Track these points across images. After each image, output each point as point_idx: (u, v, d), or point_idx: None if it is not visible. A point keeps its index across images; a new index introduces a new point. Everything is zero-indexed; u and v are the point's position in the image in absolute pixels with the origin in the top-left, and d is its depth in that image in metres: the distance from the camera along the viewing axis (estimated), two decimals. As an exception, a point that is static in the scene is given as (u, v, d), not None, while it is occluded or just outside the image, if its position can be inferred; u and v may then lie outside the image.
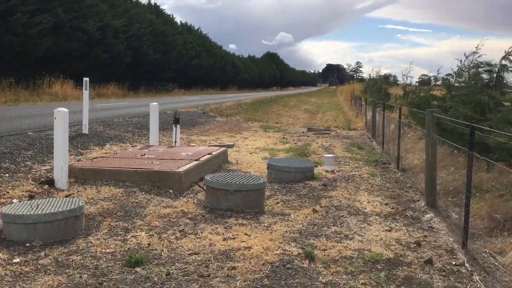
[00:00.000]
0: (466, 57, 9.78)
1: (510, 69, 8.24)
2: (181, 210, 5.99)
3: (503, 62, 8.38)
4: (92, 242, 4.72)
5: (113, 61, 34.84)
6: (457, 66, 10.18)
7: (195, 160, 8.07)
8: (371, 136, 15.28)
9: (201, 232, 5.14)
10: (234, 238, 4.97)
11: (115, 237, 4.89)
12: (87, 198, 6.23)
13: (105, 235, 4.95)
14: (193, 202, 6.41)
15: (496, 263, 4.35)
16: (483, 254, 4.61)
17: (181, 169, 7.20)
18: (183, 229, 5.25)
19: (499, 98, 7.79)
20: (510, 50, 8.16)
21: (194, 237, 4.99)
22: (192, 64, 51.94)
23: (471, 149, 4.74)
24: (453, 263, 4.46)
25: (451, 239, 5.17)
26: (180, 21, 59.51)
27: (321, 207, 6.39)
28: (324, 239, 5.05)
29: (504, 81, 8.37)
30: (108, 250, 4.52)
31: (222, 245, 4.77)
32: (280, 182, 7.80)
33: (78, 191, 6.59)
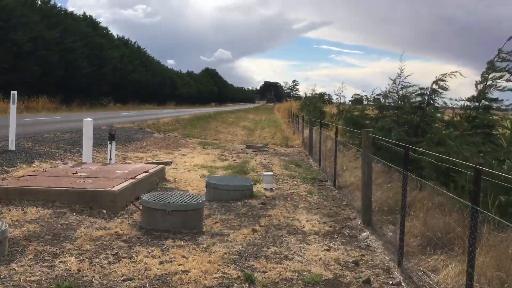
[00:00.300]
0: (393, 81, 10.18)
1: (439, 93, 8.66)
2: (115, 232, 5.71)
3: (434, 86, 8.81)
4: (15, 269, 4.36)
5: (44, 73, 33.38)
6: (385, 88, 10.59)
7: (131, 178, 7.78)
8: (308, 154, 15.52)
9: (136, 256, 4.91)
10: (171, 261, 4.79)
11: (41, 263, 4.55)
12: (12, 220, 5.80)
13: (30, 261, 4.60)
14: (128, 223, 6.13)
15: (431, 282, 4.46)
16: (418, 272, 4.72)
17: (115, 188, 6.90)
18: (116, 252, 4.99)
19: (435, 117, 8.15)
20: (440, 77, 8.60)
21: (128, 261, 4.75)
22: (129, 78, 50.87)
23: (406, 169, 4.87)
24: (390, 282, 4.53)
25: (387, 257, 5.27)
26: (117, 35, 58.35)
27: (260, 226, 6.33)
28: (264, 260, 4.98)
29: (436, 104, 8.78)
30: (33, 278, 4.19)
31: (158, 269, 4.57)
32: (219, 201, 7.67)
33: (2, 212, 6.12)
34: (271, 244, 5.56)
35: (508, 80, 5.99)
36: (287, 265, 4.86)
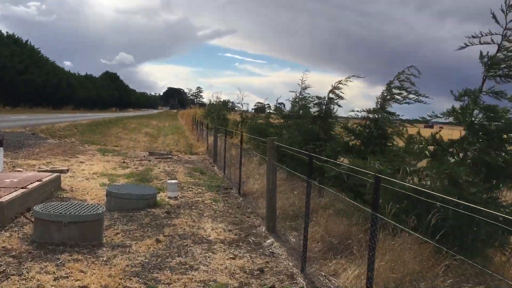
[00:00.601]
0: (299, 92, 10.53)
1: (335, 101, 9.04)
2: (3, 247, 5.21)
3: (330, 95, 9.17)
4: None
5: None
6: (290, 97, 10.90)
7: (22, 188, 7.17)
8: (213, 161, 15.50)
9: (27, 272, 4.51)
10: (67, 277, 4.46)
11: None
12: None
13: None
14: (18, 237, 5.63)
15: (332, 286, 4.62)
16: (319, 277, 4.87)
17: (3, 199, 6.31)
18: (4, 270, 4.55)
19: (336, 124, 8.53)
20: (336, 85, 8.96)
21: (18, 278, 4.35)
22: (20, 79, 47.28)
23: (310, 177, 5.02)
24: None
25: (291, 263, 5.37)
26: (7, 32, 54.05)
27: (164, 236, 6.16)
28: (169, 271, 4.83)
29: (332, 113, 9.14)
30: None
31: (52, 286, 4.24)
32: (121, 211, 7.35)
33: None
34: (176, 255, 5.42)
35: (405, 97, 6.44)
36: (193, 275, 4.76)
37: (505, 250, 4.34)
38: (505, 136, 4.38)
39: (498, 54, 4.58)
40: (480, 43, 4.58)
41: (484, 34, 4.51)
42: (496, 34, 4.51)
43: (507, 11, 4.36)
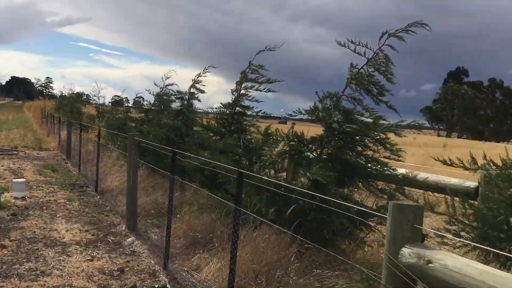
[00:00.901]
0: (161, 87, 10.38)
1: (196, 96, 9.09)
2: None
3: (192, 90, 9.19)
4: None
5: None
6: (154, 92, 10.65)
7: None
8: (66, 157, 14.49)
9: None
10: None
11: None
12: None
13: None
14: None
15: (194, 280, 4.65)
16: (182, 273, 4.86)
17: None
18: None
19: (195, 121, 8.57)
20: (196, 79, 9.01)
21: None
22: None
23: (173, 173, 4.98)
24: (156, 286, 4.55)
25: (153, 261, 5.28)
26: None
27: (10, 241, 5.59)
28: (16, 279, 4.41)
29: (194, 107, 9.17)
30: None
31: None
32: (-45, 215, 6.49)
33: None
34: (24, 260, 4.96)
35: (257, 90, 6.72)
36: (45, 281, 4.41)
37: (353, 239, 4.80)
38: (357, 137, 4.84)
39: (364, 67, 5.02)
40: (354, 51, 5.00)
41: (362, 45, 4.93)
42: (370, 49, 4.93)
43: (390, 36, 4.78)
